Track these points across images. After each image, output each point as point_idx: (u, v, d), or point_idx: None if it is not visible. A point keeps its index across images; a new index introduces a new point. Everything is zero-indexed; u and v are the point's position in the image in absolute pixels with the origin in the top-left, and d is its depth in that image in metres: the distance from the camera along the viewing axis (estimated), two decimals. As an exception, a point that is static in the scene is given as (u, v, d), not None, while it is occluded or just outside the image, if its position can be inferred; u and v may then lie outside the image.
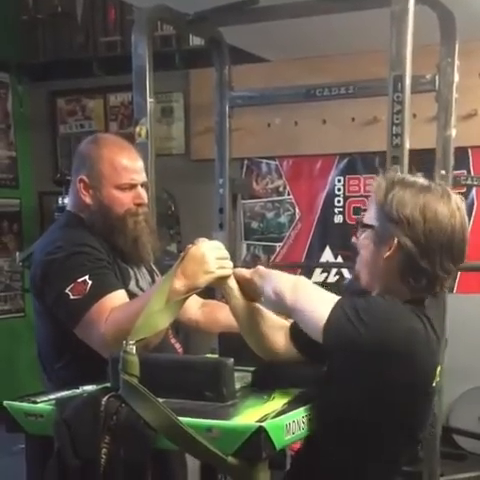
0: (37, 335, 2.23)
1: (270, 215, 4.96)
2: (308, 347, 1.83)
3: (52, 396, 1.77)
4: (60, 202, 4.40)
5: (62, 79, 5.28)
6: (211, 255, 1.87)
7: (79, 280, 2.01)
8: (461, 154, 3.99)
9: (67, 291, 2.00)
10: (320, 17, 3.40)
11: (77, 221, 2.20)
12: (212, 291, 2.01)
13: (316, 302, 1.70)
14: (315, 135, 4.66)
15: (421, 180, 1.75)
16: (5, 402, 1.74)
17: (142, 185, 2.21)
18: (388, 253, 1.70)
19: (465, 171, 4.35)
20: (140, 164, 2.22)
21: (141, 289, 2.19)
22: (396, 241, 1.69)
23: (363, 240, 1.78)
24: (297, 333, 1.85)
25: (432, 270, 1.69)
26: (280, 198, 4.92)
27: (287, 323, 1.91)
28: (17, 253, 5.05)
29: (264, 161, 4.93)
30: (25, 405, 1.74)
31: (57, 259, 2.07)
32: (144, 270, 2.28)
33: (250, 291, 1.86)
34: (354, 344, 1.62)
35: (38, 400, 1.75)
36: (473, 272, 4.16)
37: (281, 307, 1.77)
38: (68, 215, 2.26)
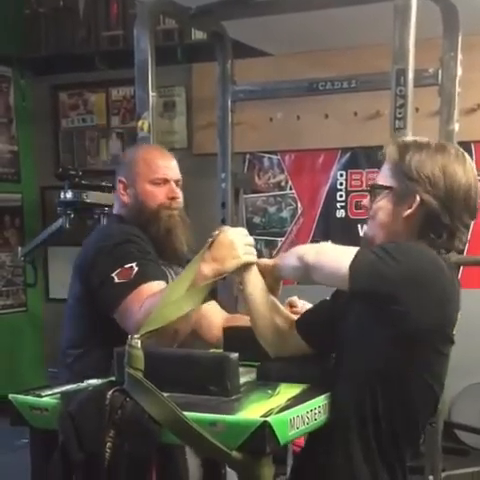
0: (68, 321, 2.28)
1: (272, 210, 4.95)
2: (316, 338, 1.85)
3: (57, 390, 1.77)
4: (62, 196, 4.38)
5: (64, 73, 5.26)
6: (240, 241, 1.90)
7: (126, 266, 2.07)
8: (464, 148, 3.94)
9: (113, 275, 2.07)
10: (323, 11, 3.39)
11: (122, 219, 2.30)
12: (214, 292, 2.04)
13: (339, 253, 1.74)
14: (317, 129, 4.65)
15: (433, 141, 1.82)
16: (10, 395, 1.74)
17: (176, 183, 2.29)
18: (409, 211, 1.76)
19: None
20: (174, 163, 2.33)
21: None
22: (418, 199, 1.74)
23: (379, 202, 1.81)
24: (303, 322, 1.88)
25: (452, 224, 1.76)
26: (282, 193, 4.91)
27: (294, 317, 1.93)
28: (19, 248, 5.05)
29: (266, 155, 4.91)
30: (30, 398, 1.74)
31: (107, 246, 2.15)
32: (179, 270, 2.29)
33: (269, 282, 1.89)
34: (384, 276, 1.65)
35: (43, 394, 1.75)
36: (476, 267, 4.16)
37: (304, 267, 1.77)
38: (113, 216, 2.38)
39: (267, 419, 1.52)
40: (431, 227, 1.76)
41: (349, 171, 4.70)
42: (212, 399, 1.67)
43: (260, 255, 1.98)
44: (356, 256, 1.68)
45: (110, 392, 1.62)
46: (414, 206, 1.75)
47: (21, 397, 1.74)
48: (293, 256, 1.82)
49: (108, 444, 1.60)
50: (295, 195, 4.88)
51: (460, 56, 3.39)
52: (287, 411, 1.61)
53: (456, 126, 3.44)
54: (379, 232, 1.82)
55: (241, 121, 4.11)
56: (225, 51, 3.77)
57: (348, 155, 4.69)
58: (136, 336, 1.64)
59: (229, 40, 3.76)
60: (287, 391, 1.76)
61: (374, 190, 1.85)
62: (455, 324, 1.79)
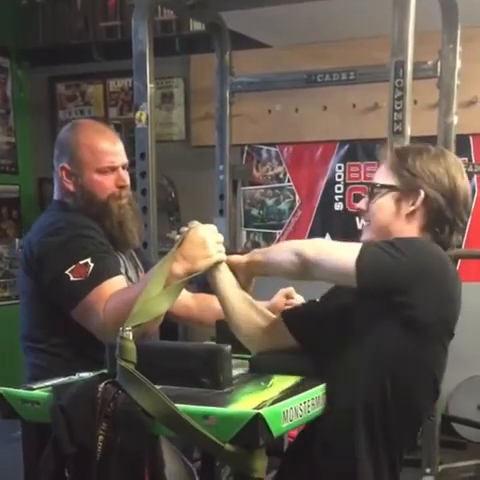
0: (23, 316, 2.21)
1: (270, 202, 4.94)
2: (306, 333, 1.83)
3: (48, 383, 1.76)
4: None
5: (62, 64, 5.25)
6: (211, 239, 1.86)
7: (81, 262, 1.99)
8: (462, 141, 3.97)
9: (67, 272, 1.99)
10: (321, 2, 3.37)
11: (66, 207, 2.19)
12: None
13: (341, 249, 1.74)
14: (316, 122, 4.64)
15: (431, 146, 1.87)
16: (1, 388, 1.73)
17: (123, 167, 2.20)
18: (412, 208, 1.79)
19: (466, 158, 4.33)
20: (120, 146, 2.21)
21: (129, 279, 2.18)
22: (423, 194, 1.78)
23: (379, 203, 1.82)
24: (292, 318, 1.86)
25: (453, 220, 1.81)
26: (280, 185, 4.90)
27: (272, 315, 1.90)
28: (16, 240, 5.05)
29: (264, 147, 4.90)
30: (21, 392, 1.73)
31: (58, 240, 2.05)
32: (130, 261, 2.27)
33: (242, 279, 1.86)
34: (393, 271, 1.66)
35: (34, 387, 1.74)
36: (474, 260, 4.15)
37: (303, 264, 1.74)
38: (56, 203, 2.24)
39: (260, 411, 1.51)
40: (435, 222, 1.80)
41: (347, 164, 4.69)
42: (205, 392, 1.66)
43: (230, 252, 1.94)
44: (362, 252, 1.68)
45: (102, 385, 1.61)
46: (418, 202, 1.79)
47: (12, 390, 1.73)
48: (286, 252, 1.78)
49: (100, 437, 1.59)
50: (293, 187, 4.87)
51: (459, 48, 3.37)
52: (280, 403, 1.60)
53: (455, 119, 3.43)
54: (379, 232, 1.82)
55: (239, 113, 4.10)
56: (223, 42, 3.75)
57: (346, 147, 4.68)
58: (128, 328, 1.62)
59: (227, 31, 3.74)
60: (280, 383, 1.75)
61: (373, 191, 1.84)
62: (456, 321, 1.81)
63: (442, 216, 1.79)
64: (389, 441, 1.74)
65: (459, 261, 4.20)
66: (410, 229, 1.80)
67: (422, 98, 3.70)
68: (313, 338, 1.84)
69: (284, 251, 1.79)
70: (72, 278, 1.98)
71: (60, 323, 2.06)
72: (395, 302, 1.68)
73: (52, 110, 5.42)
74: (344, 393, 1.73)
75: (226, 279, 1.86)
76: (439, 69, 3.35)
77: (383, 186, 1.83)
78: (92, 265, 1.99)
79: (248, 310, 1.87)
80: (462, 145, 3.99)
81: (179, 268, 1.83)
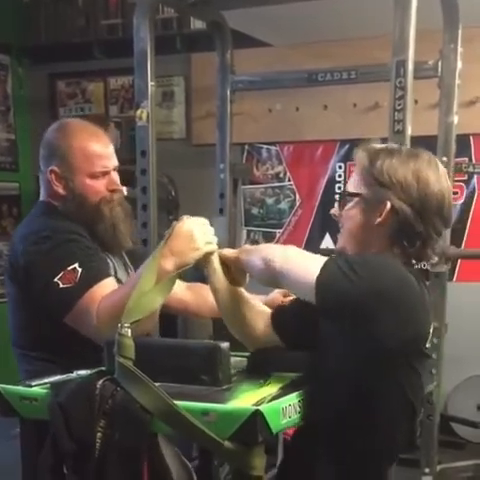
0: (12, 323, 2.19)
1: (270, 201, 4.94)
2: (289, 332, 1.82)
3: (46, 380, 1.76)
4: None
5: (62, 62, 5.25)
6: (198, 231, 1.85)
7: (69, 268, 1.99)
8: (463, 141, 3.97)
9: (56, 280, 1.98)
10: (323, 1, 3.37)
11: (53, 210, 2.17)
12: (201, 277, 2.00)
13: (307, 262, 1.67)
14: (316, 121, 4.64)
15: (405, 147, 1.77)
16: None
17: (115, 169, 2.19)
18: (379, 219, 1.68)
19: (467, 158, 4.33)
20: (111, 149, 2.19)
21: (119, 280, 2.16)
22: (389, 206, 1.67)
23: (349, 211, 1.75)
24: (279, 318, 1.83)
25: (425, 232, 1.69)
26: (280, 184, 4.90)
27: (268, 310, 1.89)
28: (16, 237, 5.04)
29: (265, 146, 4.90)
30: (20, 389, 1.73)
31: (44, 248, 2.04)
32: (120, 261, 2.27)
33: (235, 273, 1.83)
34: (347, 294, 1.58)
35: (32, 384, 1.74)
36: (473, 260, 4.15)
37: (270, 272, 1.71)
38: (42, 204, 2.22)
39: (259, 408, 1.52)
40: (404, 235, 1.69)
41: (348, 163, 4.68)
42: (203, 389, 1.66)
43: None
44: (322, 270, 1.60)
45: (100, 382, 1.61)
46: (385, 213, 1.67)
47: (10, 387, 1.73)
48: (259, 258, 1.73)
49: (98, 434, 1.59)
50: (293, 186, 4.87)
51: (460, 48, 3.37)
52: (279, 400, 1.61)
53: (455, 119, 3.43)
54: (349, 242, 1.76)
55: (240, 112, 4.09)
56: (224, 41, 3.74)
57: (347, 147, 4.68)
58: (126, 324, 1.62)
59: (228, 30, 3.73)
60: (279, 380, 1.75)
61: (344, 197, 1.78)
62: (428, 338, 1.71)
63: (411, 229, 1.68)
64: (356, 459, 1.69)
65: (459, 261, 4.22)
66: (379, 240, 1.70)
67: (423, 98, 3.70)
68: (294, 339, 1.82)
69: (257, 256, 1.74)
70: (61, 285, 1.98)
71: (52, 329, 2.05)
72: (352, 327, 1.62)
73: (52, 107, 5.41)
74: (314, 402, 1.69)
75: (217, 273, 1.83)
76: (440, 69, 3.34)
77: (351, 194, 1.75)
78: (80, 270, 1.98)
79: (238, 306, 1.86)
80: (462, 145, 3.99)
81: (168, 263, 1.82)
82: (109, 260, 2.20)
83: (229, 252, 1.85)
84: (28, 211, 5.81)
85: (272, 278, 1.72)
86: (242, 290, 1.86)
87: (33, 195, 5.45)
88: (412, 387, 1.71)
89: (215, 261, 1.84)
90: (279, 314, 1.82)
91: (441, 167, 1.74)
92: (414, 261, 1.76)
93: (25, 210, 5.42)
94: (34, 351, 2.14)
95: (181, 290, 2.36)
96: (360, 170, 1.74)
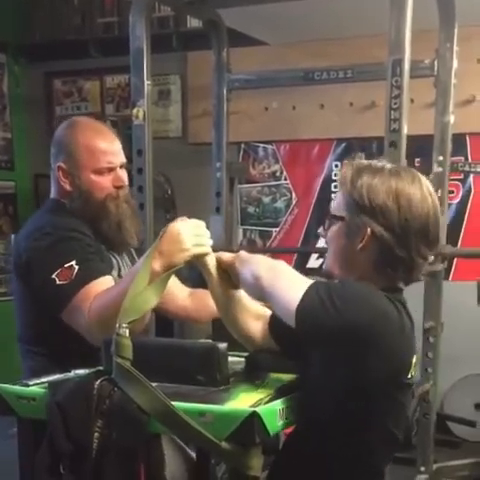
0: (18, 319, 2.22)
1: (266, 200, 4.94)
2: (284, 339, 1.79)
3: (44, 379, 1.76)
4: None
5: (59, 60, 5.23)
6: (187, 232, 1.83)
7: (66, 265, 2.00)
8: (459, 140, 3.97)
9: (53, 276, 2.00)
10: (319, 0, 3.37)
11: (61, 207, 2.19)
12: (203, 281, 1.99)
13: (292, 285, 1.63)
14: (313, 120, 4.64)
15: (389, 165, 1.70)
16: None
17: (121, 166, 2.19)
18: (361, 244, 1.65)
19: (463, 157, 4.33)
20: (117, 145, 2.20)
21: None
22: (369, 231, 1.63)
23: (333, 233, 1.72)
24: (276, 323, 1.80)
25: (409, 257, 1.65)
26: (277, 183, 4.90)
27: (267, 312, 1.88)
28: (12, 236, 5.03)
29: (261, 145, 4.90)
30: (17, 388, 1.73)
31: (44, 245, 2.06)
32: (126, 259, 2.27)
33: (232, 276, 1.81)
34: (324, 328, 1.56)
35: (30, 383, 1.74)
36: (469, 259, 4.15)
37: (258, 289, 1.70)
38: (51, 202, 2.24)
39: (256, 409, 1.51)
40: (386, 260, 1.65)
41: (344, 162, 4.68)
42: (201, 389, 1.66)
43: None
44: (303, 297, 1.58)
45: (98, 382, 1.61)
46: (366, 239, 1.64)
47: (8, 386, 1.73)
48: (249, 272, 1.72)
49: (96, 434, 1.59)
50: (290, 185, 4.87)
51: (456, 47, 3.37)
52: (276, 401, 1.61)
53: (451, 118, 3.43)
54: (334, 263, 1.73)
55: (236, 110, 4.09)
56: (221, 39, 3.74)
57: (343, 146, 4.69)
58: (124, 324, 1.62)
59: (225, 28, 3.74)
60: (276, 381, 1.75)
61: (329, 219, 1.74)
62: (410, 369, 1.68)
63: (393, 254, 1.63)
64: (340, 465, 1.67)
65: (455, 260, 4.22)
66: (363, 265, 1.67)
67: (419, 97, 3.69)
68: (288, 345, 1.80)
69: (248, 270, 1.73)
70: (58, 282, 2.00)
71: (52, 325, 2.06)
72: (329, 362, 1.62)
73: (49, 106, 5.41)
74: (300, 409, 1.68)
75: (214, 276, 1.82)
76: (436, 68, 3.35)
77: (334, 217, 1.71)
78: (77, 267, 1.99)
79: (235, 308, 1.85)
80: (458, 144, 3.99)
81: (157, 264, 1.81)
82: (114, 259, 2.20)
83: (225, 256, 1.83)
84: (24, 210, 5.82)
85: (259, 295, 1.72)
86: (241, 293, 1.85)
87: (29, 194, 5.45)
88: (395, 418, 1.69)
89: (211, 264, 1.83)
90: (276, 319, 1.81)
91: (426, 185, 1.68)
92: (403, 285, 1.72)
93: (21, 209, 5.42)
94: (37, 346, 2.16)
95: (183, 296, 2.37)
96: (342, 190, 1.70)
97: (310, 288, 1.59)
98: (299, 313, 1.57)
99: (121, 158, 2.20)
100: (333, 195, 4.70)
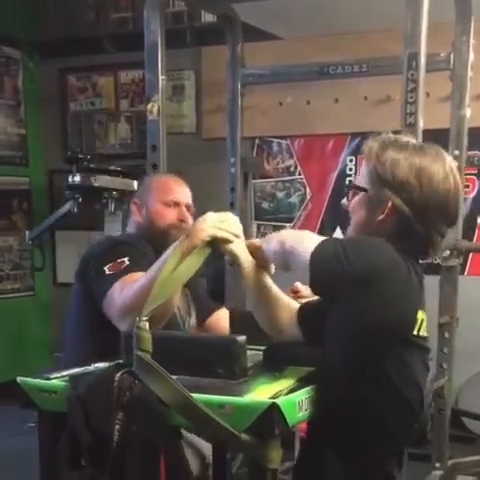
0: (69, 319, 2.35)
1: (281, 195, 4.93)
2: (311, 329, 1.81)
3: (65, 372, 1.77)
4: (70, 180, 4.36)
5: (73, 56, 5.25)
6: (210, 217, 1.89)
7: (119, 260, 2.14)
8: (475, 134, 3.94)
9: (105, 268, 2.14)
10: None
11: (129, 234, 2.45)
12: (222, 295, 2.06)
13: (312, 242, 1.69)
14: (327, 114, 4.63)
15: (414, 141, 1.75)
16: (18, 378, 1.74)
17: (187, 208, 2.40)
18: (382, 216, 1.70)
19: (478, 152, 4.31)
20: (187, 190, 2.45)
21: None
22: (390, 204, 1.69)
23: (355, 204, 1.77)
24: (304, 313, 1.83)
25: (426, 233, 1.70)
26: (291, 178, 4.90)
27: (296, 304, 1.90)
28: (27, 232, 5.04)
29: (275, 140, 4.89)
30: (39, 381, 1.74)
31: (106, 246, 2.28)
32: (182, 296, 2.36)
33: (261, 263, 1.85)
34: (336, 277, 1.62)
35: (51, 376, 1.75)
36: (485, 254, 4.14)
37: (282, 253, 1.75)
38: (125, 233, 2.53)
39: (275, 401, 1.52)
40: (404, 234, 1.70)
41: (359, 156, 4.66)
42: (220, 382, 1.67)
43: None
44: (317, 247, 1.65)
45: (118, 374, 1.62)
46: (386, 211, 1.69)
47: (30, 380, 1.74)
48: (275, 241, 1.79)
49: (116, 426, 1.60)
50: (304, 180, 4.86)
51: (472, 41, 3.36)
52: (295, 393, 1.61)
53: (467, 111, 3.41)
54: (357, 233, 1.78)
55: (250, 105, 4.08)
56: (235, 34, 3.73)
57: (358, 140, 4.66)
58: (144, 318, 1.63)
59: (239, 23, 3.73)
60: (295, 373, 1.76)
61: (351, 189, 1.80)
62: (414, 325, 1.70)
63: (411, 229, 1.68)
64: (358, 453, 1.70)
65: (470, 255, 4.21)
66: (381, 236, 1.70)
67: (435, 91, 3.68)
68: (314, 335, 1.81)
69: (275, 239, 1.80)
70: (107, 272, 2.14)
71: (100, 323, 2.12)
72: (337, 306, 1.64)
73: (63, 102, 5.42)
74: (317, 399, 1.70)
75: (244, 263, 1.85)
76: (452, 61, 3.34)
77: (357, 188, 1.77)
78: (127, 263, 2.13)
79: (265, 297, 1.86)
80: (475, 138, 3.96)
81: (184, 246, 1.85)
82: None
83: (252, 242, 1.88)
84: (38, 206, 5.83)
85: (284, 259, 1.76)
86: (271, 284, 1.88)
87: (43, 190, 5.47)
88: (402, 379, 1.69)
89: (241, 252, 1.85)
90: (304, 310, 1.83)
91: (449, 162, 1.72)
92: (420, 259, 1.75)
93: (35, 205, 5.43)
94: (84, 345, 2.25)
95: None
96: (367, 163, 1.75)
97: (326, 240, 1.68)
98: (313, 260, 1.64)
99: (188, 199, 2.42)
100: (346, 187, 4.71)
